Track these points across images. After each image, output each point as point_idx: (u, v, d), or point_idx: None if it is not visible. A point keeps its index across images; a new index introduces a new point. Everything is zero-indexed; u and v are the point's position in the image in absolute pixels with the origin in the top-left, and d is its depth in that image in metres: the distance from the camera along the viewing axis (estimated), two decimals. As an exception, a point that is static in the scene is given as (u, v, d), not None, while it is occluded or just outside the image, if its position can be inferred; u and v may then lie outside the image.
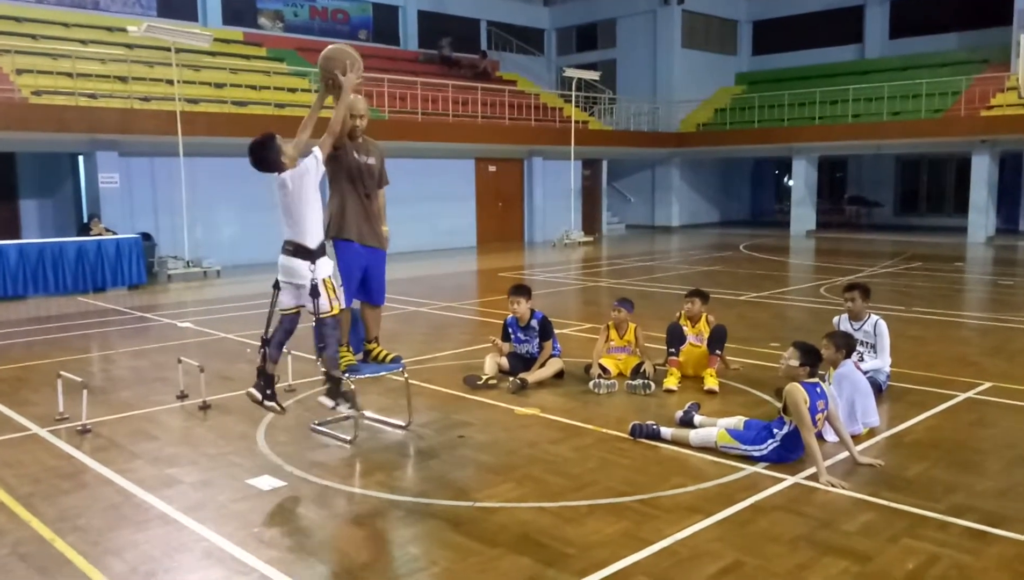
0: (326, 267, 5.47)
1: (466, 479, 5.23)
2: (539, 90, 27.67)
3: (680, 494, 4.91)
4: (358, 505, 4.90)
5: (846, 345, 6.15)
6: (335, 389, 5.65)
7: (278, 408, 5.71)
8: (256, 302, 12.65)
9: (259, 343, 5.61)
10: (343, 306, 5.77)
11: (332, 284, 5.49)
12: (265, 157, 5.23)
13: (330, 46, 5.74)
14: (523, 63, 31.26)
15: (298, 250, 5.35)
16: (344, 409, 5.76)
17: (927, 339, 9.46)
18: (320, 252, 5.42)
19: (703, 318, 7.73)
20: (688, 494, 4.91)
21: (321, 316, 5.45)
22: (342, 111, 5.52)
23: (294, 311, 5.56)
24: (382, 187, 6.27)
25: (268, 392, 5.59)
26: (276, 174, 5.28)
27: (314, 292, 5.35)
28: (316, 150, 5.36)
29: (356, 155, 5.93)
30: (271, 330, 5.55)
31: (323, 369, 5.71)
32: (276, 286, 5.54)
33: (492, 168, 23.73)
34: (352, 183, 5.93)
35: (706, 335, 7.60)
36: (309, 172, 5.30)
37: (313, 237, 5.37)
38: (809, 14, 30.26)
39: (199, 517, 4.67)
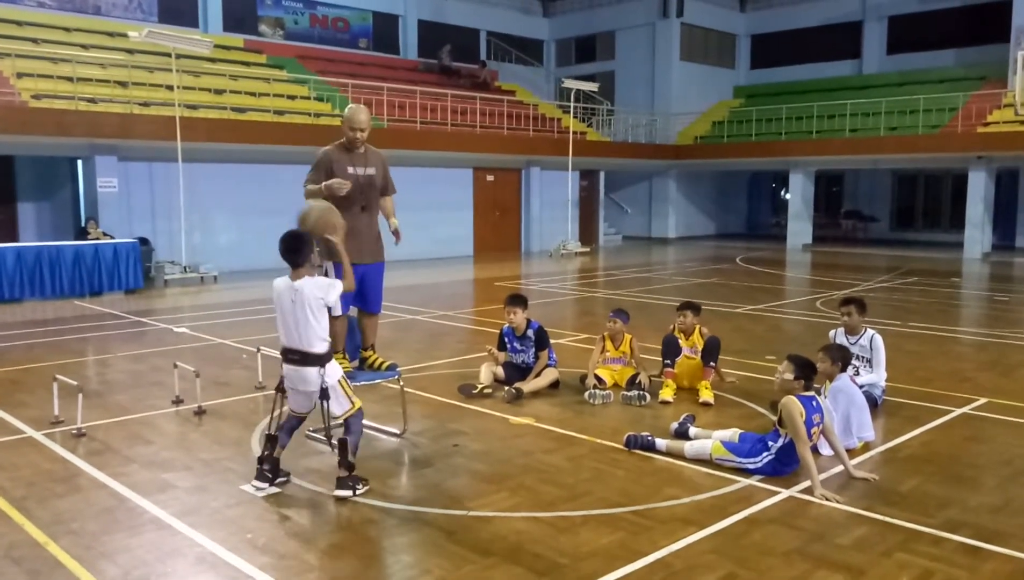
0: (336, 371, 5.15)
1: (460, 488, 5.22)
2: (538, 101, 27.76)
3: (674, 506, 4.91)
4: (352, 513, 4.89)
5: (842, 358, 6.16)
6: (352, 476, 5.10)
7: (279, 490, 5.21)
8: (253, 308, 12.66)
9: (264, 440, 5.27)
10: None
11: (346, 384, 5.19)
12: (299, 247, 5.03)
13: (305, 213, 5.41)
14: (522, 73, 31.37)
15: (306, 358, 5.04)
16: (361, 488, 5.10)
17: (923, 354, 9.48)
18: (329, 356, 5.12)
19: (697, 330, 7.74)
20: (682, 506, 4.91)
21: (343, 417, 5.15)
22: (349, 269, 5.45)
23: (306, 413, 5.32)
24: (388, 195, 6.29)
25: (270, 476, 5.18)
26: (287, 279, 5.04)
27: (324, 395, 5.03)
28: (337, 283, 5.17)
29: (353, 169, 5.94)
30: (275, 427, 5.23)
31: (339, 457, 5.13)
32: (279, 389, 5.24)
33: (490, 178, 23.78)
34: (349, 199, 5.90)
35: (700, 347, 7.61)
36: (327, 288, 5.05)
37: (321, 343, 5.06)
38: (807, 29, 30.44)
39: (193, 522, 4.66)
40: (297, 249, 5.05)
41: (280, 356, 5.18)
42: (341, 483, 5.05)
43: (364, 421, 6.45)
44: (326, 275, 5.84)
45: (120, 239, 15.10)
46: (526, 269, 20.12)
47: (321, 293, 5.03)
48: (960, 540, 4.44)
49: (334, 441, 5.26)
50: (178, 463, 5.69)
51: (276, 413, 5.27)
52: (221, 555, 4.27)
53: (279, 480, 5.19)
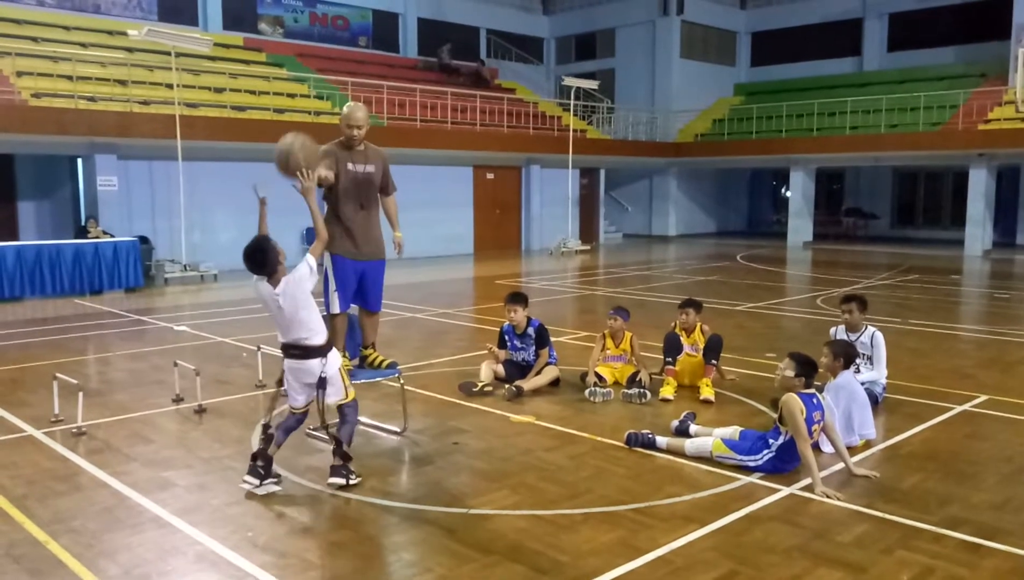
0: (336, 360, 5.16)
1: (461, 486, 5.22)
2: (538, 98, 27.74)
3: (675, 503, 4.91)
4: (352, 510, 4.89)
5: (845, 354, 6.15)
6: (345, 466, 5.15)
7: (278, 489, 5.16)
8: (253, 306, 12.64)
9: (261, 428, 5.27)
10: (328, 311, 5.75)
11: (344, 375, 5.20)
12: (264, 260, 4.89)
13: (285, 142, 5.15)
14: (522, 71, 31.35)
15: (308, 351, 5.04)
16: (354, 479, 5.15)
17: (924, 351, 9.48)
18: (329, 345, 5.12)
19: (698, 328, 7.74)
20: (683, 503, 4.91)
21: (339, 404, 5.18)
22: (318, 217, 5.23)
23: (305, 409, 5.28)
24: (389, 194, 6.28)
25: (263, 473, 5.12)
26: (265, 283, 4.94)
27: (321, 384, 5.04)
28: (309, 257, 5.01)
29: (352, 166, 5.93)
30: (273, 420, 5.22)
31: (333, 446, 5.21)
32: (280, 383, 5.23)
33: (490, 175, 23.77)
34: (346, 195, 5.91)
35: (701, 345, 7.61)
36: (303, 280, 4.95)
37: (319, 333, 5.06)
38: (808, 26, 30.42)
39: (193, 520, 4.66)
40: (263, 261, 4.91)
41: (281, 352, 5.17)
42: (335, 471, 5.12)
43: (364, 419, 6.50)
44: (325, 280, 5.85)
45: (120, 238, 15.10)
46: (526, 267, 20.11)
47: (305, 285, 4.98)
48: (961, 537, 4.43)
49: (332, 430, 5.28)
50: (178, 461, 5.69)
51: (275, 411, 5.26)
52: (222, 553, 4.27)
53: (269, 481, 5.11)
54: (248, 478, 5.09)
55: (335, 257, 5.95)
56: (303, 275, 4.98)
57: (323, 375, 5.05)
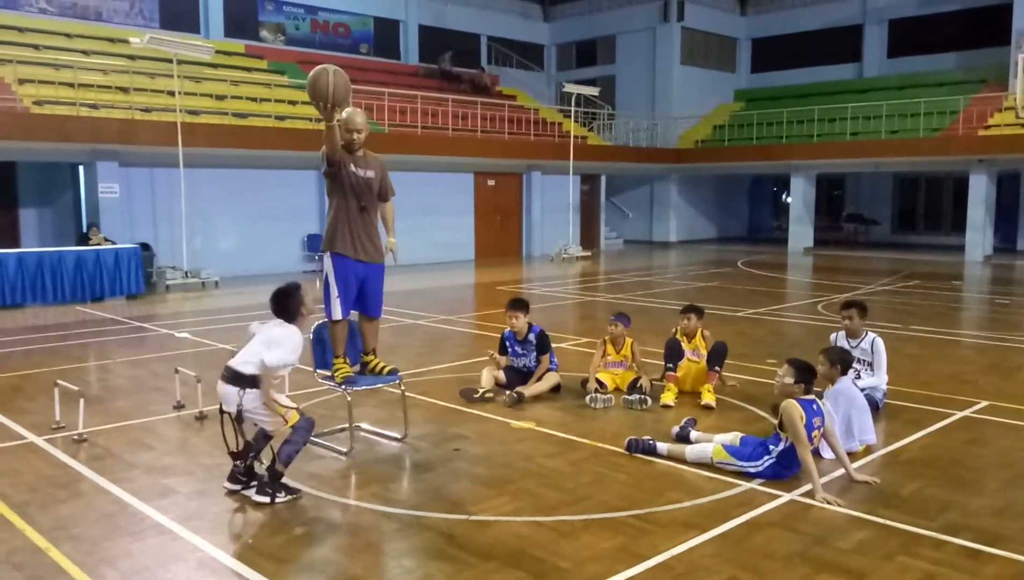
0: (254, 399, 5.01)
1: (461, 492, 5.23)
2: (538, 105, 27.78)
3: (676, 509, 4.91)
4: (353, 517, 4.90)
5: (841, 361, 6.16)
6: (273, 483, 5.06)
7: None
8: (254, 313, 12.63)
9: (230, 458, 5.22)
10: (329, 317, 5.81)
11: (274, 404, 5.06)
12: (287, 305, 5.10)
13: (331, 70, 5.53)
14: (523, 78, 31.40)
15: (234, 377, 5.00)
16: (282, 498, 5.04)
17: (924, 357, 9.47)
18: (254, 382, 4.99)
19: (699, 333, 7.75)
20: (684, 510, 4.91)
21: (281, 430, 5.10)
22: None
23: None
24: (387, 200, 6.30)
25: (248, 482, 5.14)
26: (266, 322, 5.07)
27: (239, 418, 4.99)
28: (291, 359, 5.03)
29: (354, 168, 5.96)
30: (238, 446, 5.14)
31: (265, 466, 5.15)
32: (237, 419, 5.04)
33: (491, 182, 23.79)
34: (347, 197, 5.96)
35: (703, 350, 7.62)
36: (293, 341, 5.02)
37: (254, 368, 4.97)
38: (808, 32, 30.47)
39: (194, 527, 4.66)
40: (284, 305, 5.13)
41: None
42: (260, 488, 5.06)
43: (365, 425, 6.52)
44: (327, 285, 5.88)
45: (121, 244, 15.10)
46: (527, 273, 20.12)
47: (292, 342, 5.02)
48: (961, 543, 4.43)
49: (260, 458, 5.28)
50: (179, 468, 5.69)
51: (226, 431, 5.10)
52: (222, 560, 4.27)
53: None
54: (257, 498, 5.04)
55: (336, 257, 5.96)
56: (295, 346, 5.02)
57: (240, 407, 4.99)
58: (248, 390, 5.00)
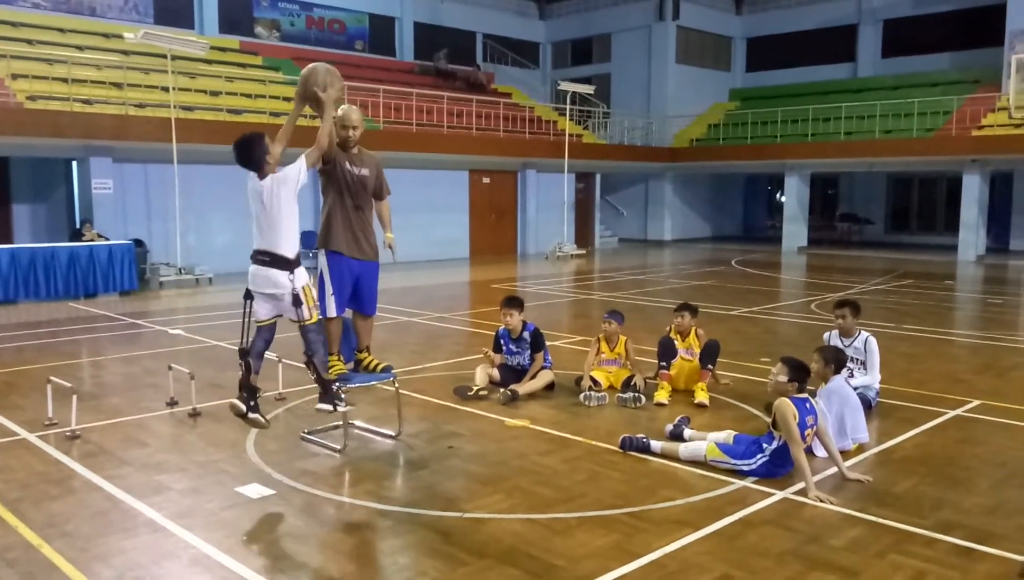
0: (304, 276, 5.42)
1: (455, 490, 5.23)
2: (534, 103, 27.79)
3: (669, 507, 4.92)
4: (347, 514, 4.90)
5: (835, 359, 6.17)
6: (331, 393, 5.59)
7: (262, 421, 5.60)
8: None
9: (238, 356, 5.56)
10: (323, 315, 5.83)
11: (311, 293, 5.43)
12: (250, 154, 5.20)
13: (312, 65, 5.68)
14: (518, 76, 31.39)
15: (276, 260, 5.27)
16: (342, 407, 5.64)
17: (917, 356, 9.51)
18: (298, 261, 5.36)
19: (693, 332, 7.77)
20: (677, 507, 4.92)
21: (303, 324, 5.41)
22: (327, 125, 5.52)
23: (270, 322, 5.50)
24: (382, 198, 6.29)
25: (252, 404, 5.50)
26: (255, 180, 5.23)
27: (296, 301, 5.30)
28: (301, 159, 5.31)
29: (348, 166, 5.95)
30: (249, 341, 5.48)
31: (313, 376, 5.63)
32: (248, 296, 5.46)
33: (486, 180, 23.79)
34: (342, 195, 5.94)
35: (696, 349, 7.64)
36: (288, 180, 5.24)
37: (291, 247, 5.31)
38: (803, 32, 30.53)
39: (187, 524, 4.66)
40: (248, 154, 5.23)
41: (250, 259, 5.39)
42: (322, 397, 5.51)
43: (359, 422, 6.51)
44: (321, 282, 5.89)
45: (115, 241, 15.07)
46: (522, 271, 20.13)
47: (289, 184, 5.22)
48: (953, 541, 4.45)
49: (311, 372, 5.61)
50: (173, 465, 5.68)
51: (246, 322, 5.48)
52: (216, 557, 4.27)
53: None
54: (235, 402, 5.45)
55: (331, 254, 5.95)
56: (288, 176, 5.23)
57: (295, 292, 5.27)
58: (296, 271, 5.30)
